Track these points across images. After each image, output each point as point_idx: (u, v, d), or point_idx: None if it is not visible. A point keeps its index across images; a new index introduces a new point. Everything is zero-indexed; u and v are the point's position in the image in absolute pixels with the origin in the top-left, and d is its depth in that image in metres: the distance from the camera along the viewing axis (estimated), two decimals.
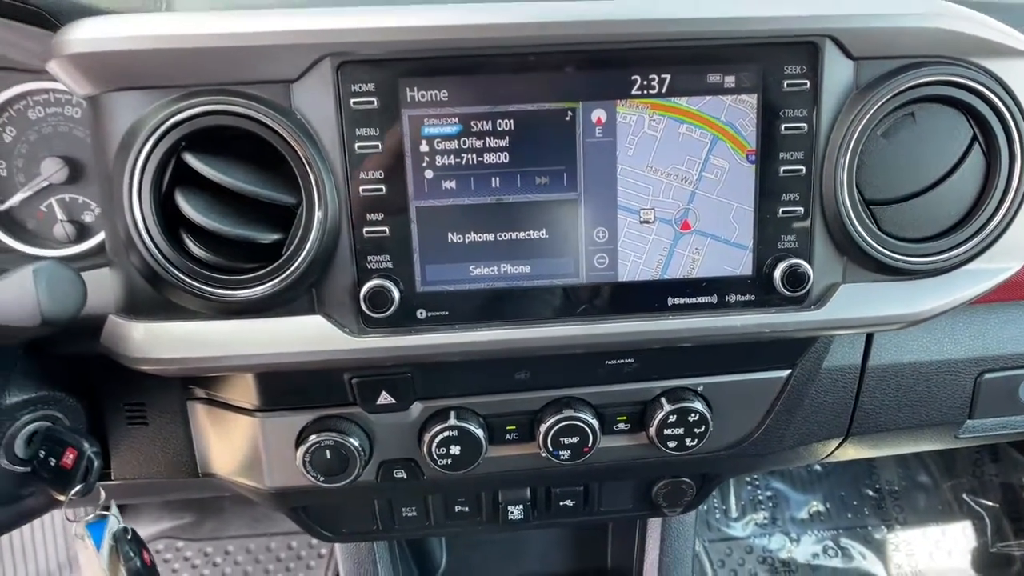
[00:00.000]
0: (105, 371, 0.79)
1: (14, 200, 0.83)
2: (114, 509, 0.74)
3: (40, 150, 0.83)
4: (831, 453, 0.89)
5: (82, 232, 0.84)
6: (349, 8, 0.60)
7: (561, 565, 1.23)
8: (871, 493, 1.72)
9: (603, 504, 0.91)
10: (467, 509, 0.89)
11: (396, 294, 0.63)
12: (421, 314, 0.65)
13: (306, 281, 0.63)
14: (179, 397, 0.80)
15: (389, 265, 0.64)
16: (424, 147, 0.62)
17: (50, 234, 0.84)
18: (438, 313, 0.65)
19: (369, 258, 0.64)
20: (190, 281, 0.63)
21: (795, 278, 0.64)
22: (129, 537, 0.73)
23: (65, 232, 0.83)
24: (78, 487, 0.66)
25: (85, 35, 0.61)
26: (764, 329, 0.66)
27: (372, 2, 0.62)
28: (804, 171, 0.64)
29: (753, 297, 0.66)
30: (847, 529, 1.67)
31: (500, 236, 0.64)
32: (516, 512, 0.89)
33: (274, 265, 0.63)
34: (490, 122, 0.62)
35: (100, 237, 0.83)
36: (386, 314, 0.63)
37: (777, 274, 0.65)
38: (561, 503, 0.89)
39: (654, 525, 1.09)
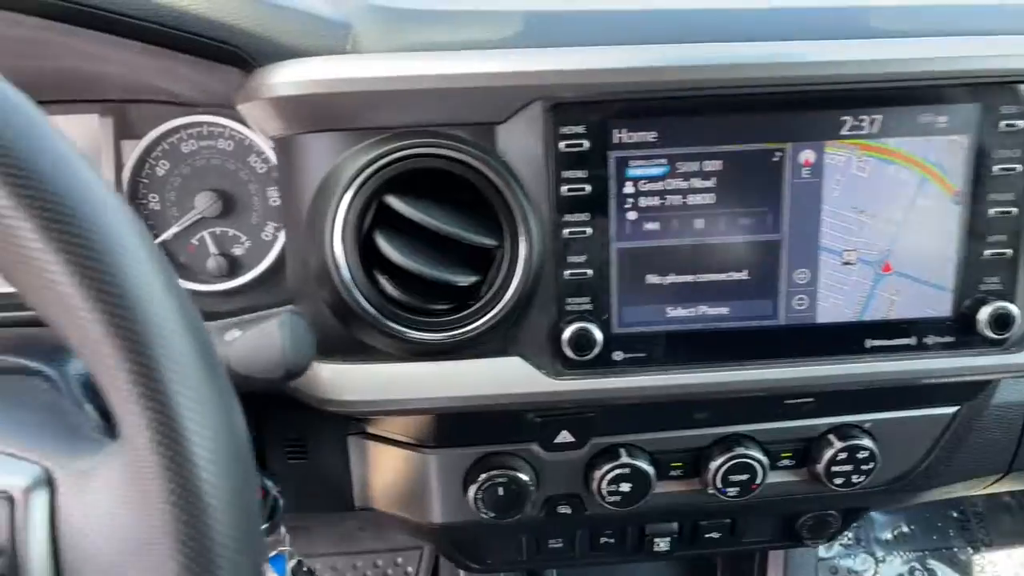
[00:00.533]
0: (266, 408, 0.79)
1: (168, 234, 0.83)
2: (288, 542, 0.74)
3: (192, 183, 0.83)
4: (988, 487, 0.88)
5: (232, 266, 0.84)
6: (560, 49, 0.60)
7: None
8: (955, 515, 1.70)
9: (746, 535, 0.90)
10: (612, 540, 0.89)
11: (599, 337, 0.62)
12: (617, 356, 0.64)
13: (506, 323, 0.63)
14: (340, 432, 0.80)
15: (589, 307, 0.63)
16: (628, 188, 0.61)
17: (202, 268, 0.84)
18: (634, 355, 0.64)
19: (569, 300, 0.63)
20: (387, 322, 0.62)
21: (1002, 320, 0.63)
22: (305, 570, 0.72)
23: (218, 266, 0.83)
24: (265, 526, 0.66)
25: (290, 77, 0.61)
26: (965, 373, 0.65)
27: (569, 41, 0.62)
28: (1015, 212, 0.62)
29: (953, 339, 0.65)
30: (933, 551, 1.65)
31: (699, 278, 0.63)
32: (663, 544, 0.88)
33: (476, 307, 0.62)
34: (698, 163, 0.61)
35: (255, 272, 0.83)
36: (588, 357, 0.62)
37: (983, 316, 0.63)
38: (707, 535, 0.88)
39: (777, 553, 1.08)
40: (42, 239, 0.34)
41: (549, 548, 0.88)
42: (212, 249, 0.84)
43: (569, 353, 0.63)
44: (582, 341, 0.62)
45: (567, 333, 0.62)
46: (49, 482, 0.38)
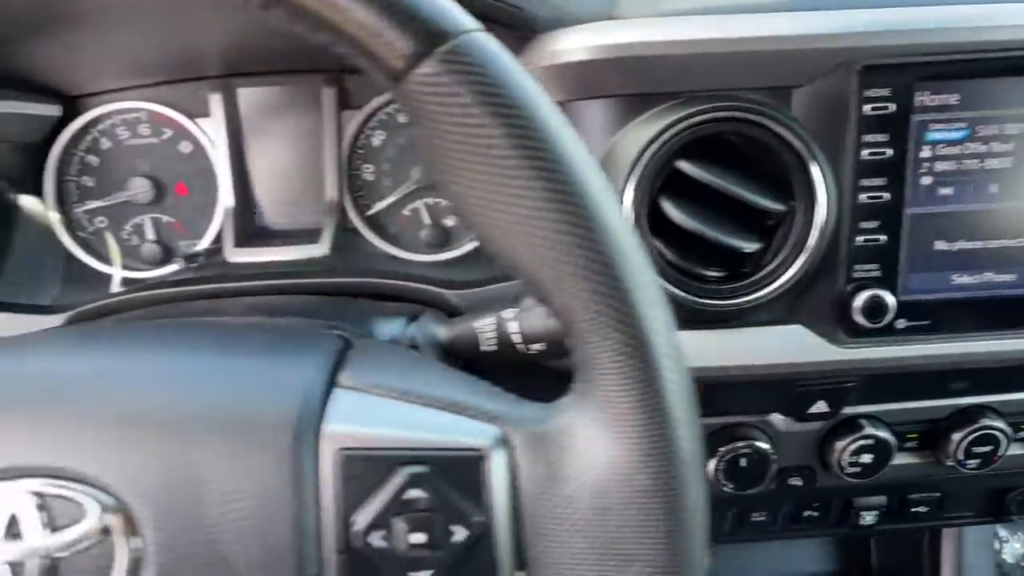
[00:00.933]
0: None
1: (382, 204, 0.83)
2: None
3: (407, 154, 0.83)
4: None
5: (445, 237, 0.83)
6: (867, 10, 0.58)
7: (819, 563, 1.22)
8: None
9: (952, 510, 0.89)
10: (816, 514, 0.88)
11: (892, 303, 0.61)
12: (901, 324, 0.63)
13: (794, 290, 0.62)
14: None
15: (877, 274, 0.62)
16: (926, 152, 0.60)
17: (414, 239, 0.84)
18: (918, 323, 0.64)
19: (857, 266, 0.62)
20: (673, 288, 0.62)
21: None
22: None
23: (432, 237, 0.83)
24: None
25: (581, 43, 0.60)
26: None
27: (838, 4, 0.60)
28: None
29: None
30: None
31: (988, 244, 0.62)
32: (868, 518, 0.88)
33: (762, 273, 0.62)
34: (998, 127, 0.60)
35: (468, 247, 0.82)
36: (878, 325, 0.62)
37: None
38: (913, 509, 0.88)
39: (950, 530, 1.07)
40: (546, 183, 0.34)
41: (752, 521, 0.88)
42: (426, 220, 0.83)
43: (860, 320, 0.62)
44: (875, 308, 0.61)
45: (859, 300, 0.62)
46: (506, 442, 0.38)
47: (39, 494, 0.37)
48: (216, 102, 0.79)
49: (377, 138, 0.82)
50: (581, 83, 0.61)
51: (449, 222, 0.84)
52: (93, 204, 0.82)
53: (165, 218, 0.83)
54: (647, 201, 0.61)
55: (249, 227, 0.83)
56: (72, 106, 0.79)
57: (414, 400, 0.40)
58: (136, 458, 0.37)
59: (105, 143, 0.81)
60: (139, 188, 0.81)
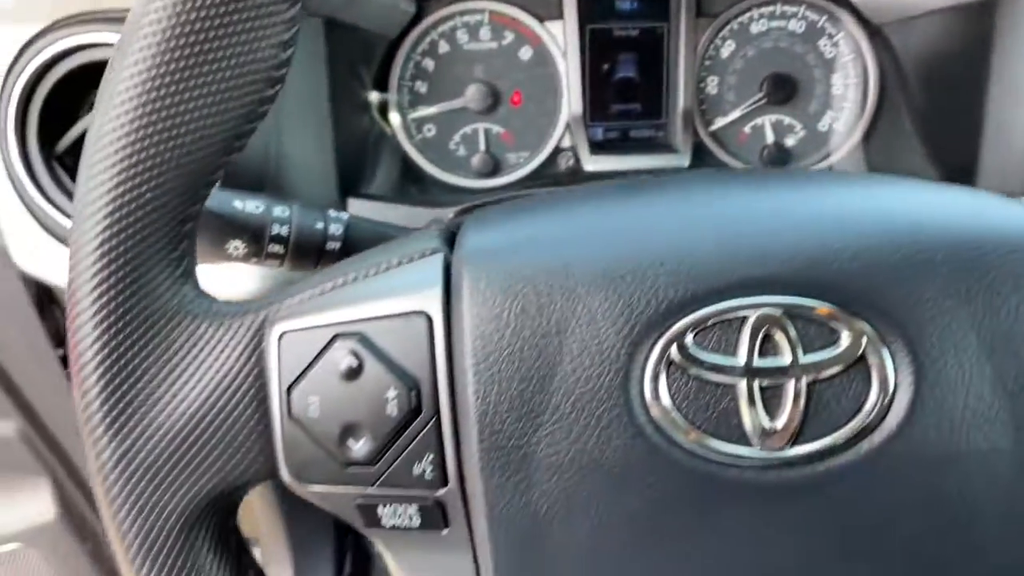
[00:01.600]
0: None
1: (726, 120, 0.80)
2: None
3: (753, 67, 0.79)
4: None
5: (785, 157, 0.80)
6: None
7: None
8: None
9: None
10: None
11: None
12: None
13: None
14: None
15: None
16: None
17: (753, 157, 0.80)
18: None
19: None
20: None
21: None
22: None
23: (772, 156, 0.80)
24: None
25: None
26: None
27: None
28: None
29: None
30: None
31: None
32: None
33: None
34: None
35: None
36: None
37: None
38: None
39: None
40: None
41: None
42: (769, 138, 0.80)
43: None
44: None
45: None
46: None
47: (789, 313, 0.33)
48: (570, 3, 0.76)
49: (727, 49, 0.79)
50: None
51: (790, 141, 0.80)
52: (425, 111, 0.79)
53: (496, 128, 0.80)
54: None
55: (593, 137, 0.79)
56: (422, 7, 0.76)
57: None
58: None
59: (444, 47, 0.78)
60: (475, 95, 0.78)
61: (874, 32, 0.75)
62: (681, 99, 0.77)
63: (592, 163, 0.75)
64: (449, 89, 0.78)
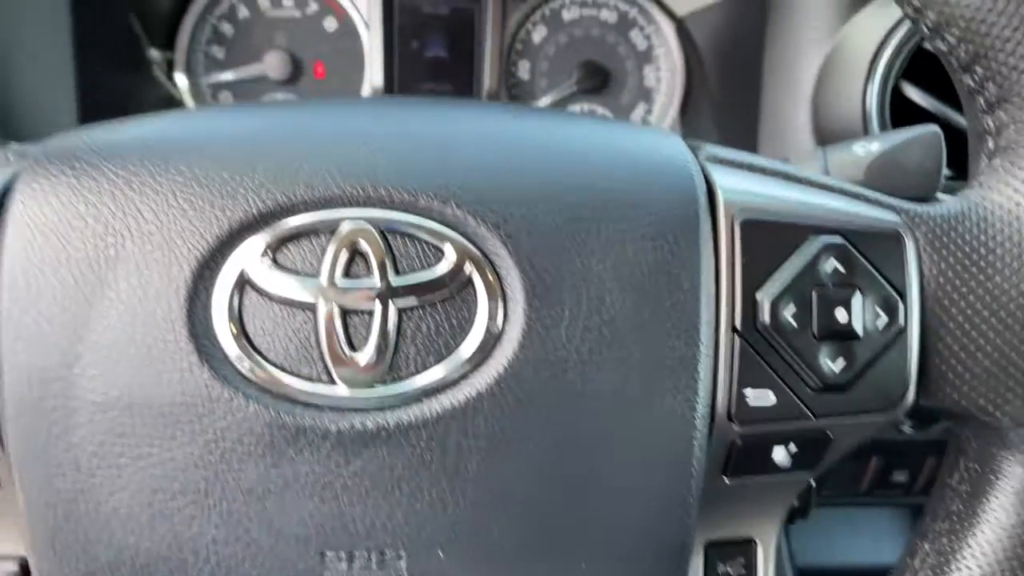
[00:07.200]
0: None
1: (535, 105, 0.78)
2: None
3: (566, 54, 0.78)
4: None
5: None
6: None
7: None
8: None
9: None
10: None
11: None
12: None
13: None
14: None
15: None
16: None
17: None
18: None
19: None
20: None
21: None
22: None
23: None
24: None
25: None
26: None
27: None
28: None
29: None
30: None
31: None
32: None
33: None
34: None
35: None
36: None
37: None
38: None
39: None
40: None
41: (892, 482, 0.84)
42: None
43: None
44: None
45: None
46: (912, 229, 0.33)
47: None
48: None
49: (538, 34, 0.77)
50: None
51: None
52: (222, 76, 0.75)
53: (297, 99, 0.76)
54: (890, 88, 0.58)
55: None
56: None
57: (803, 182, 0.35)
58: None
59: (243, 11, 0.74)
60: (275, 63, 0.74)
61: (679, 24, 0.75)
62: (487, 81, 0.75)
63: None
64: (249, 57, 0.74)
